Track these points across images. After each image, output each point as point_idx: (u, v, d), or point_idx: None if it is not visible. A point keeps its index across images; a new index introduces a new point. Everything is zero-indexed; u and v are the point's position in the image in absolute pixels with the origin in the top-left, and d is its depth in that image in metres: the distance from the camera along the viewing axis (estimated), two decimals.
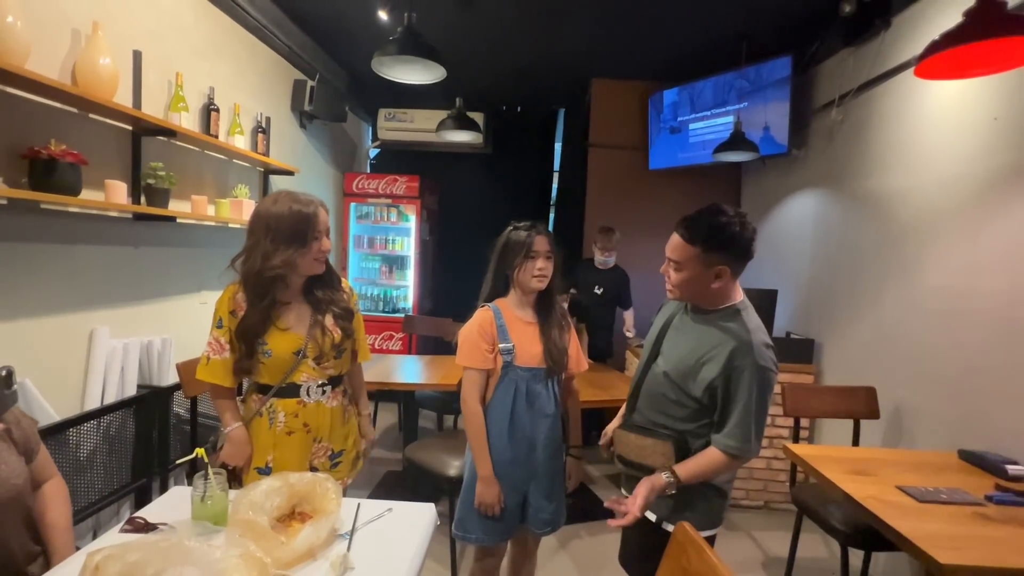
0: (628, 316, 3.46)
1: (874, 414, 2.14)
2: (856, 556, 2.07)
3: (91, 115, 1.91)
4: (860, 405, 2.14)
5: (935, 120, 2.12)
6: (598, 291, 3.33)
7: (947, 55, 1.39)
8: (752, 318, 1.24)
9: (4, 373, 0.93)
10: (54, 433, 1.69)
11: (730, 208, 1.23)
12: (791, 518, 2.13)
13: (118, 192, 1.93)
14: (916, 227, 2.19)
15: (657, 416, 1.31)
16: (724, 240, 1.19)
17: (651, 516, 1.28)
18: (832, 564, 2.25)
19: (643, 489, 1.20)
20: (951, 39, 1.36)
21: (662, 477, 1.21)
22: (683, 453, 1.25)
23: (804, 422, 2.78)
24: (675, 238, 1.24)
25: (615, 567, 1.41)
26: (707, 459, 1.22)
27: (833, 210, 2.81)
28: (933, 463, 1.66)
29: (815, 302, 2.93)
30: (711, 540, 1.29)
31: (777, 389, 2.59)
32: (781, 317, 3.08)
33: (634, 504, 1.18)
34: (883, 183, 2.41)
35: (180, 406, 2.23)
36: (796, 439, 2.19)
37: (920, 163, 2.19)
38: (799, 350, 2.81)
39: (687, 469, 1.21)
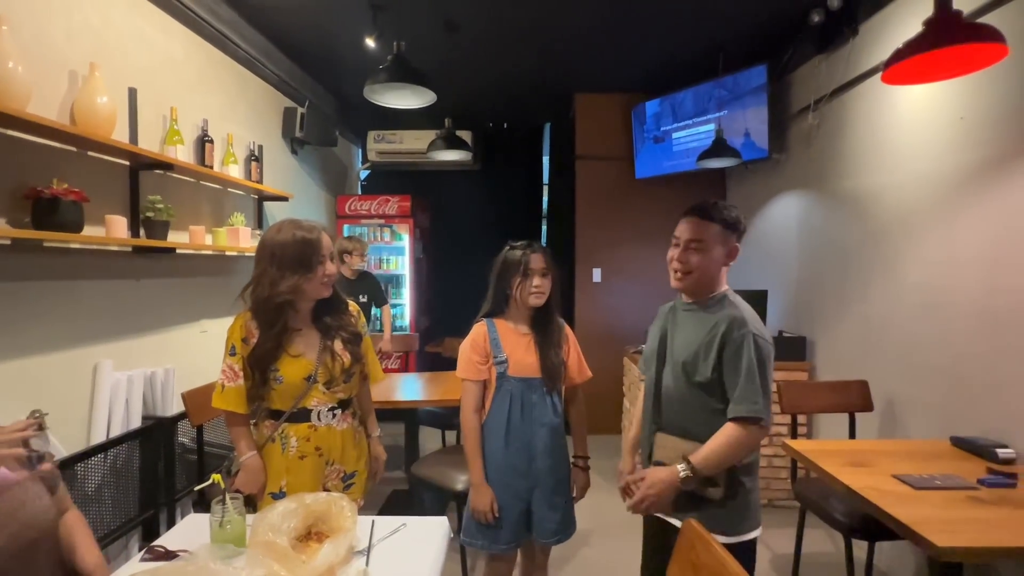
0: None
1: (868, 407, 2.20)
2: (860, 548, 2.10)
3: (90, 153, 1.94)
4: (854, 399, 2.20)
5: (906, 121, 2.21)
6: (362, 299, 3.56)
7: (911, 62, 1.47)
8: (740, 301, 1.31)
9: (38, 415, 0.94)
10: (62, 468, 1.68)
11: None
12: (795, 514, 2.17)
13: (118, 227, 1.97)
14: (894, 224, 2.27)
15: (689, 423, 1.29)
16: (733, 221, 1.31)
17: (676, 523, 1.26)
18: (837, 558, 2.28)
19: (649, 479, 1.21)
20: (913, 47, 1.44)
21: (675, 468, 1.20)
22: None
23: (802, 418, 2.83)
24: (692, 221, 1.31)
25: None
26: (723, 437, 1.20)
27: (816, 211, 2.90)
28: (927, 451, 1.71)
29: (804, 300, 3.00)
30: (753, 544, 1.29)
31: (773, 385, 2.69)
32: (772, 316, 3.15)
33: (639, 495, 1.22)
34: (861, 183, 2.50)
35: (184, 435, 2.23)
36: (794, 435, 2.24)
37: (893, 162, 2.28)
38: (792, 348, 2.87)
39: (701, 455, 1.20)
